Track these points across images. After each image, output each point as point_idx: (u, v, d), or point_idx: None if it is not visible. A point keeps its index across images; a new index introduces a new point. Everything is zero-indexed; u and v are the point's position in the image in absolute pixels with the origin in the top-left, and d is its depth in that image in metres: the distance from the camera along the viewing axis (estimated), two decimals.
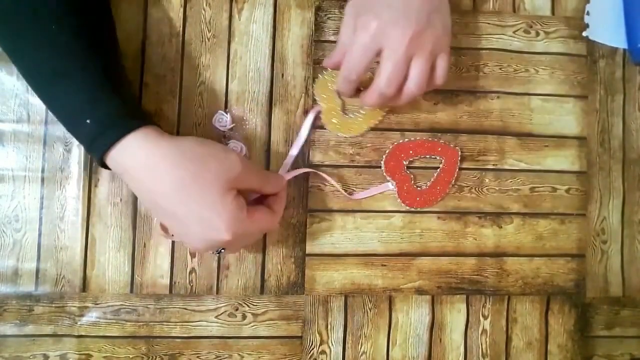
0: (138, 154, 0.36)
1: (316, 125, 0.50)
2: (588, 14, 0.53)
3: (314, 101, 0.50)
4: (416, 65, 0.42)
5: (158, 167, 0.36)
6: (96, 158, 0.37)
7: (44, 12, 0.37)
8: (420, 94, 0.44)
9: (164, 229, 0.43)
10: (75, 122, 0.37)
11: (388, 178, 0.50)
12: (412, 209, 0.50)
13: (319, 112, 0.50)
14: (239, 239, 0.38)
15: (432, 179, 0.50)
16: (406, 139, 0.50)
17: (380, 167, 0.50)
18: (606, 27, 0.54)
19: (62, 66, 0.37)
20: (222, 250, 0.43)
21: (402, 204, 0.50)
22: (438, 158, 0.51)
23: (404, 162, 0.50)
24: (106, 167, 0.38)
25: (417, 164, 0.51)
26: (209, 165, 0.37)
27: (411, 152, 0.50)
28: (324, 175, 0.49)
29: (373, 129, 0.50)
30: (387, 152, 0.50)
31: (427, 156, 0.51)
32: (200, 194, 0.36)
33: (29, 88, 0.47)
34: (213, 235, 0.37)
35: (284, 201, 0.44)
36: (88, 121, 0.36)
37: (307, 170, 0.49)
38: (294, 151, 0.49)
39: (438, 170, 0.50)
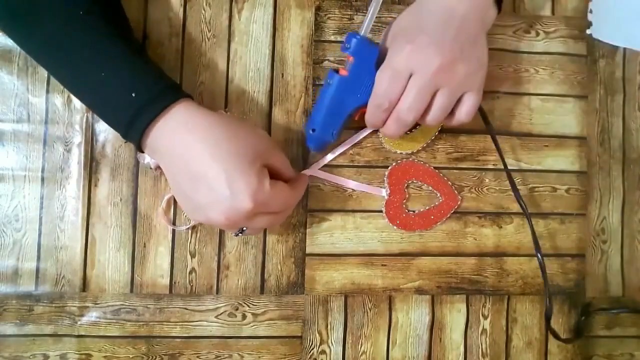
0: (183, 119, 0.38)
1: None
2: (591, 11, 0.53)
3: None
4: (439, 98, 0.41)
5: (198, 129, 0.38)
6: (138, 132, 0.38)
7: (67, 4, 0.38)
8: (437, 124, 0.43)
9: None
10: (119, 99, 0.38)
11: (385, 185, 0.50)
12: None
13: (376, 131, 0.50)
14: (260, 210, 0.38)
15: (422, 210, 0.50)
16: (420, 161, 0.50)
17: (380, 166, 0.50)
18: (609, 25, 0.53)
19: (101, 51, 0.38)
20: (244, 230, 0.41)
21: (384, 215, 0.50)
22: (438, 195, 0.50)
23: (407, 181, 0.50)
24: (140, 148, 0.40)
25: (414, 186, 0.51)
26: (242, 132, 0.39)
27: (423, 175, 0.50)
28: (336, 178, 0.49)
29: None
30: (399, 161, 0.50)
31: (430, 188, 0.50)
32: (233, 156, 0.37)
33: (29, 87, 0.47)
34: (237, 202, 0.37)
35: (303, 185, 0.46)
36: (133, 95, 0.37)
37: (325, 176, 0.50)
38: (330, 156, 0.49)
39: (431, 206, 0.50)
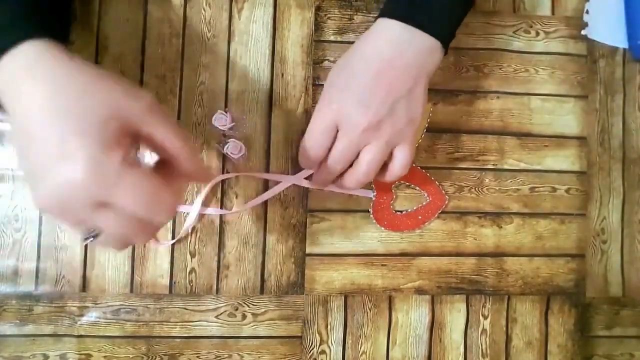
0: (30, 61, 0.30)
1: None
2: (587, 12, 0.53)
3: None
4: (366, 153, 0.41)
5: (44, 77, 0.29)
6: None
7: None
8: (369, 180, 0.43)
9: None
10: None
11: (372, 186, 0.50)
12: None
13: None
14: (103, 195, 0.28)
15: (409, 210, 0.50)
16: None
17: None
18: (606, 25, 0.54)
19: None
20: (95, 235, 0.30)
21: (371, 216, 0.50)
22: (425, 195, 0.50)
23: (395, 182, 0.50)
24: None
25: (401, 187, 0.51)
26: (100, 86, 0.30)
27: (409, 175, 0.49)
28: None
29: None
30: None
31: (417, 188, 0.50)
32: (76, 115, 0.28)
33: None
34: (66, 169, 0.27)
35: (192, 180, 0.35)
36: None
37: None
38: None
39: (418, 206, 0.50)
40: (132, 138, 0.30)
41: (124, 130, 0.29)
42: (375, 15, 0.43)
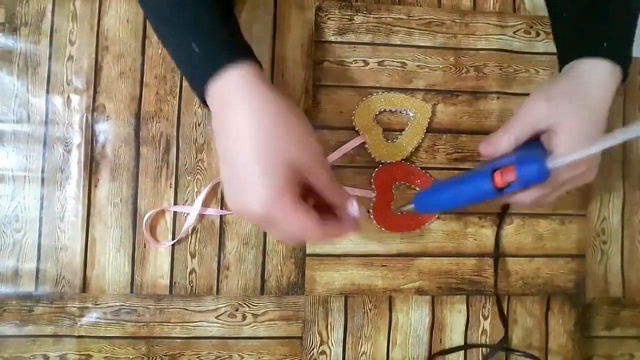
0: (242, 85, 0.35)
1: (318, 126, 0.50)
2: None
3: (355, 130, 0.50)
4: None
5: (253, 103, 0.35)
6: (202, 84, 0.36)
7: None
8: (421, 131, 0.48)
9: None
10: (187, 53, 0.37)
11: (372, 187, 0.50)
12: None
13: (363, 142, 0.50)
14: (269, 225, 0.35)
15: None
16: (408, 162, 0.50)
17: (369, 167, 0.50)
18: None
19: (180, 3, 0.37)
20: None
21: (371, 217, 0.50)
22: None
23: (395, 183, 0.50)
24: (206, 104, 0.37)
25: (402, 187, 0.51)
26: (291, 133, 0.35)
27: (409, 176, 0.50)
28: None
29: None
30: (386, 162, 0.50)
31: (417, 188, 0.50)
32: (267, 151, 0.34)
33: (30, 88, 0.47)
34: (247, 201, 0.34)
35: (342, 228, 0.38)
36: (197, 50, 0.36)
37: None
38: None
39: None
40: (300, 183, 0.35)
41: (296, 177, 0.35)
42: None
